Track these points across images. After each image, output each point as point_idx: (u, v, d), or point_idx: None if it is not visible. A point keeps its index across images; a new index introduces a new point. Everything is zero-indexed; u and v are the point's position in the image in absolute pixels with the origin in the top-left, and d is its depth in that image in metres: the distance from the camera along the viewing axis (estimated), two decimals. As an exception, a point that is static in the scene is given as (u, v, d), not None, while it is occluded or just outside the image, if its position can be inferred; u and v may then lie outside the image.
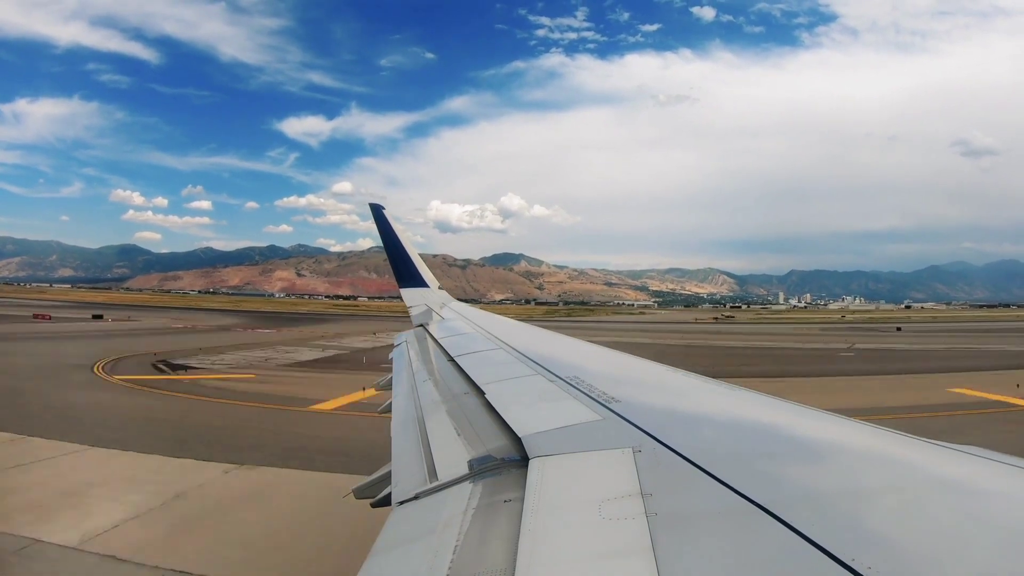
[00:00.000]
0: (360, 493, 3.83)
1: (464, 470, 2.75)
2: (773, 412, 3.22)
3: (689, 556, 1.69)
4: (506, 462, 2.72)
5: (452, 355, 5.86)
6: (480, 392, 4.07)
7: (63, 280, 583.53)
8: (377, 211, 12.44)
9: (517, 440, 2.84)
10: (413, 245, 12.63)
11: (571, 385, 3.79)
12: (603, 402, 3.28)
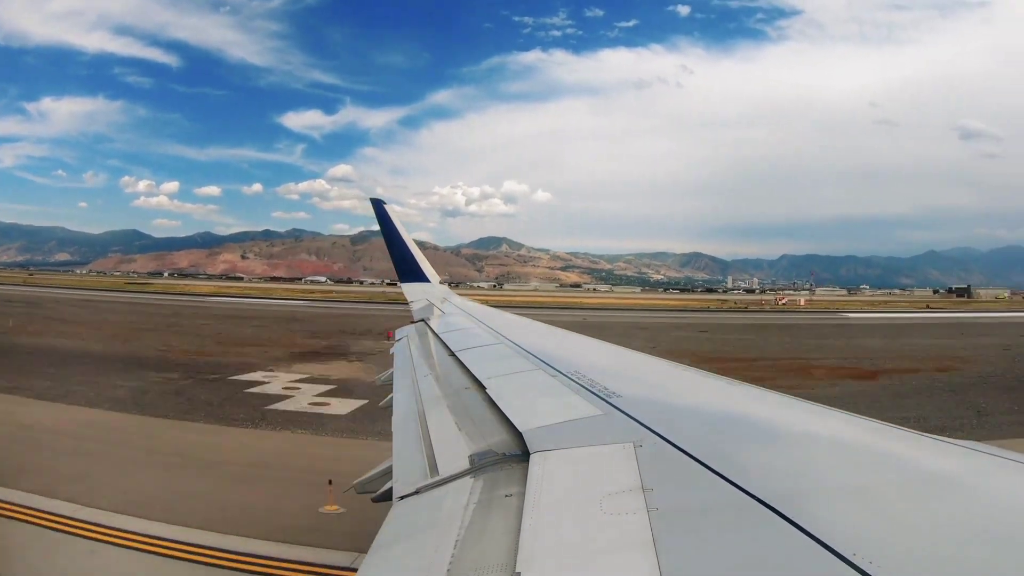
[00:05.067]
0: (362, 488, 3.84)
1: (465, 465, 2.76)
2: (774, 407, 3.24)
3: (690, 551, 1.69)
4: (507, 457, 2.72)
5: (453, 350, 5.85)
6: (481, 387, 4.08)
7: (59, 264, 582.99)
8: (378, 206, 12.40)
9: (518, 435, 2.84)
10: (414, 240, 12.66)
11: (572, 380, 3.80)
12: (604, 397, 3.30)
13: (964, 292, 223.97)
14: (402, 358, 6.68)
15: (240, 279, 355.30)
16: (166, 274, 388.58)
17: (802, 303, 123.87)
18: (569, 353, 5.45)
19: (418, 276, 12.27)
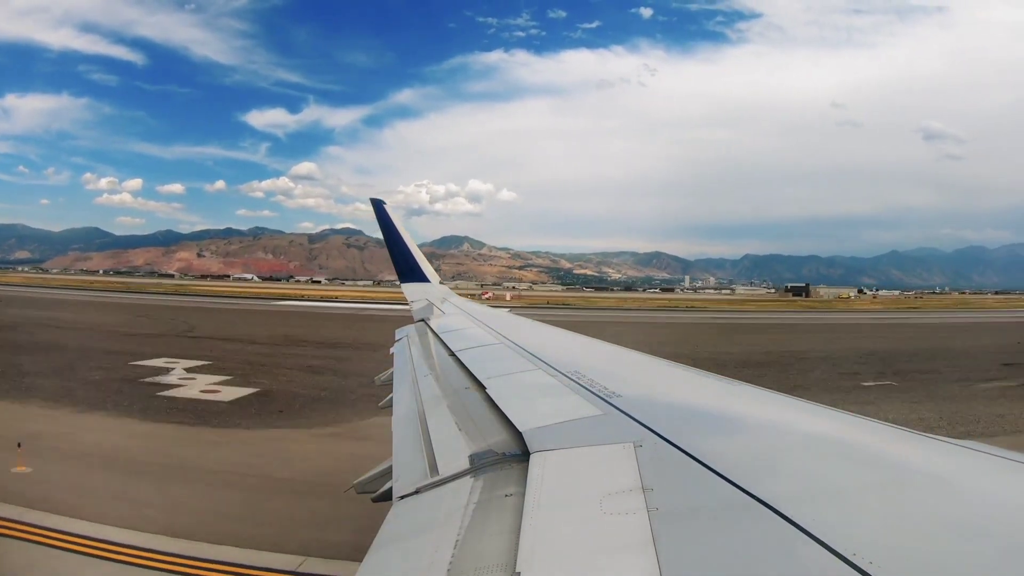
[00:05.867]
0: (361, 488, 3.84)
1: (465, 465, 2.76)
2: (774, 407, 3.24)
3: (690, 551, 1.69)
4: (507, 457, 2.72)
5: (453, 350, 5.85)
6: (481, 387, 4.09)
7: (18, 262, 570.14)
8: (378, 206, 12.36)
9: (518, 435, 2.84)
10: (414, 240, 12.67)
11: (572, 380, 3.82)
12: (604, 397, 3.31)
13: (802, 291, 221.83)
14: (402, 358, 6.66)
15: (171, 276, 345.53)
16: (101, 272, 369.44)
17: (508, 298, 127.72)
18: (569, 353, 5.49)
19: (418, 276, 12.26)
